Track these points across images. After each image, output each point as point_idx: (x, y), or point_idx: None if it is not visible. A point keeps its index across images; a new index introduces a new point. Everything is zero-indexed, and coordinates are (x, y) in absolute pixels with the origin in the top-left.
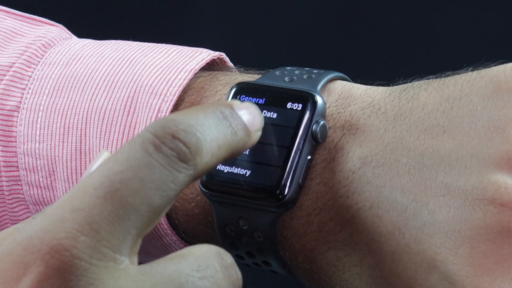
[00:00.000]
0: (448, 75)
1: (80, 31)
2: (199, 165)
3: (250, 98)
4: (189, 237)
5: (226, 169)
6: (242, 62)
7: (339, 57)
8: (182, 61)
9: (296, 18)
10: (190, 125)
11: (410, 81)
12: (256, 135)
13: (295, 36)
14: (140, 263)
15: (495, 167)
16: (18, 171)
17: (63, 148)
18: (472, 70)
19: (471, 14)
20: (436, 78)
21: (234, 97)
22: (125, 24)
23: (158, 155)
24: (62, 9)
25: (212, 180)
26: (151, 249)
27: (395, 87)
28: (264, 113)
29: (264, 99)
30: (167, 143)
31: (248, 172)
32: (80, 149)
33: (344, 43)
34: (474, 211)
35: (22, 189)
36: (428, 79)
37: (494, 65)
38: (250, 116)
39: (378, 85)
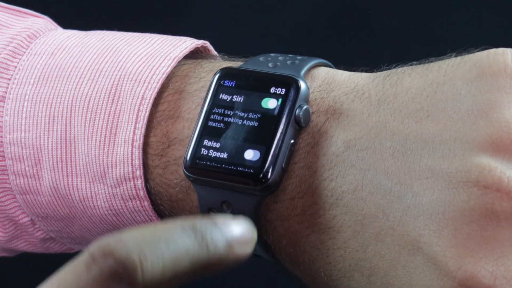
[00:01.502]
0: (432, 61)
1: (78, 29)
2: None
3: (233, 82)
4: None
5: (209, 152)
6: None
7: (335, 53)
8: (166, 49)
9: (294, 16)
10: (133, 240)
11: (394, 67)
12: (242, 249)
13: (295, 35)
14: None
15: (479, 150)
16: (4, 160)
17: (48, 137)
18: (456, 56)
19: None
20: (419, 64)
21: (218, 82)
22: (124, 23)
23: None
24: (63, 6)
25: (195, 164)
26: None
27: (379, 73)
28: (248, 96)
29: (245, 83)
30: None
31: (232, 156)
32: (65, 138)
33: (342, 42)
34: (458, 193)
35: (8, 178)
36: (411, 65)
37: (477, 51)
38: (235, 228)
39: (362, 71)
